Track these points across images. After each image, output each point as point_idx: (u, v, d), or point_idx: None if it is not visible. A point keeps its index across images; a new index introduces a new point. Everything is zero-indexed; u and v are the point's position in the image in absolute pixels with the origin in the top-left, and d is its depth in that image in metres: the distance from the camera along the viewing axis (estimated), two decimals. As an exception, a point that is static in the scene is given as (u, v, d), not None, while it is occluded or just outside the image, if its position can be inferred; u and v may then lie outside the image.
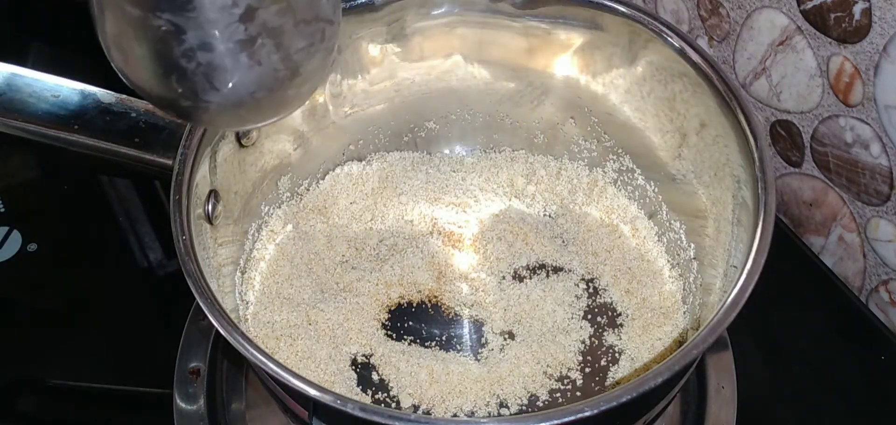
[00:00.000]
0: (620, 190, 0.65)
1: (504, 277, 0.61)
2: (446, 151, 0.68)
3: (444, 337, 0.58)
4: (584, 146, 0.65)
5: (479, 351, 0.57)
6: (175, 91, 0.41)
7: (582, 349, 0.57)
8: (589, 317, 0.58)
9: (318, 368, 0.54)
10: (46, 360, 0.64)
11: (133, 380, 0.62)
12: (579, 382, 0.55)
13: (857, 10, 0.57)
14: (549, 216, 0.65)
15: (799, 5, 0.62)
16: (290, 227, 0.62)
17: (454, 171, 0.67)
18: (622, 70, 0.60)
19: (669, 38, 0.55)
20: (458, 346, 0.57)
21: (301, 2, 0.41)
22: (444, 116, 0.67)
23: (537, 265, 0.62)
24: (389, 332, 0.58)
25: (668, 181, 0.61)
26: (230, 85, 0.41)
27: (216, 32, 0.39)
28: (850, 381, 0.62)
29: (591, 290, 0.60)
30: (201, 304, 0.43)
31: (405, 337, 0.58)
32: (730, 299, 0.44)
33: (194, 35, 0.39)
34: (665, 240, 0.62)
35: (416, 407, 0.53)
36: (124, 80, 0.42)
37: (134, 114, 0.54)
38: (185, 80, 0.40)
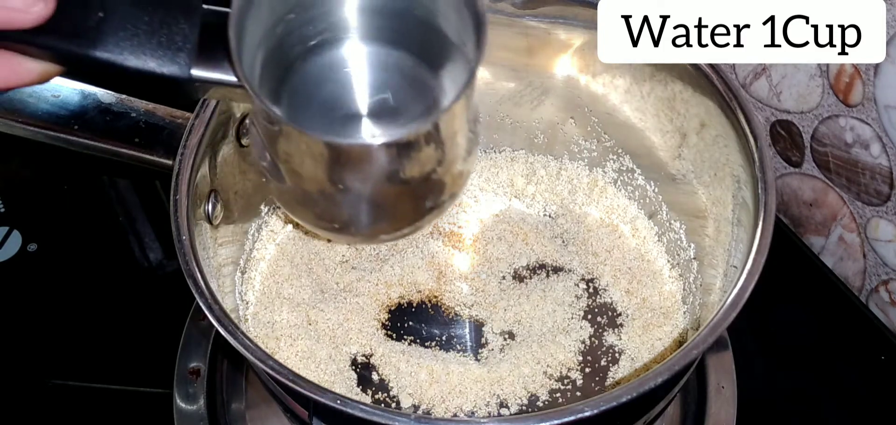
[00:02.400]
0: (620, 190, 0.65)
1: (504, 277, 0.61)
2: (446, 151, 0.68)
3: (444, 337, 0.58)
4: (584, 146, 0.65)
5: (479, 351, 0.57)
6: (327, 222, 0.45)
7: (582, 349, 0.57)
8: (589, 317, 0.58)
9: (318, 368, 0.54)
10: (46, 360, 0.64)
11: (133, 380, 0.62)
12: (579, 382, 0.55)
13: (857, 10, 0.57)
14: (549, 216, 0.65)
15: (799, 5, 0.62)
16: (290, 227, 0.62)
17: (454, 171, 0.67)
18: (622, 70, 0.60)
19: (669, 38, 0.55)
20: (458, 346, 0.57)
21: (453, 153, 0.43)
22: (444, 116, 0.67)
23: (537, 265, 0.62)
24: (389, 332, 0.58)
25: (668, 181, 0.61)
26: (380, 223, 0.45)
27: (376, 195, 0.42)
28: (850, 381, 0.62)
29: (591, 290, 0.60)
30: (201, 304, 0.43)
31: (405, 337, 0.58)
32: (730, 299, 0.44)
33: (353, 196, 0.42)
34: (665, 240, 0.62)
35: (416, 407, 0.53)
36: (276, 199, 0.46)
37: (134, 114, 0.54)
38: (342, 220, 0.44)
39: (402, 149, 0.40)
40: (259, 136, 0.43)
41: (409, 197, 0.43)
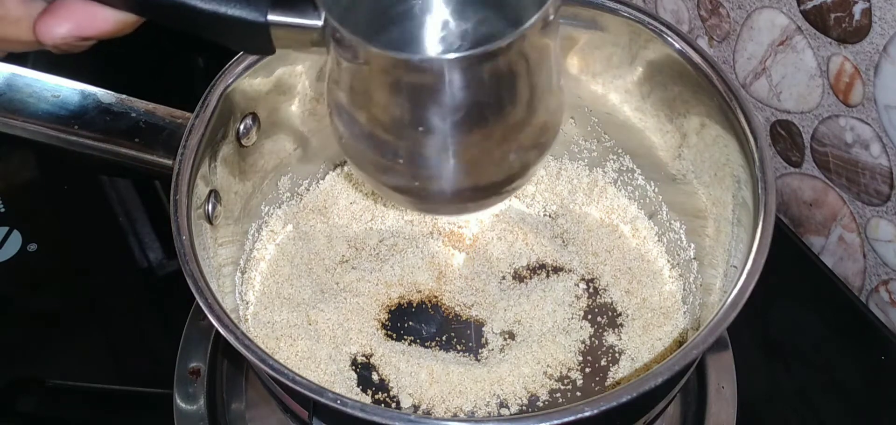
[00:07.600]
0: (620, 190, 0.65)
1: (504, 277, 0.61)
2: (446, 151, 0.68)
3: (444, 338, 0.58)
4: (584, 146, 0.65)
5: (479, 351, 0.57)
6: (409, 180, 0.43)
7: (582, 349, 0.57)
8: (589, 317, 0.58)
9: (318, 368, 0.54)
10: (46, 360, 0.64)
11: (133, 380, 0.62)
12: (579, 382, 0.55)
13: (857, 10, 0.57)
14: (549, 216, 0.65)
15: (799, 5, 0.62)
16: (290, 227, 0.62)
17: (454, 171, 0.67)
18: (622, 70, 0.60)
19: (669, 39, 0.55)
20: (458, 346, 0.57)
21: (534, 91, 0.41)
22: (444, 116, 0.67)
23: (537, 265, 0.62)
24: (389, 332, 0.58)
25: (668, 181, 0.61)
26: (463, 179, 0.43)
27: (455, 135, 0.40)
28: (850, 381, 0.62)
29: (591, 290, 0.60)
30: (201, 304, 0.43)
31: (405, 337, 0.58)
32: (730, 299, 0.44)
33: (432, 138, 0.40)
34: (665, 240, 0.61)
35: (416, 407, 0.53)
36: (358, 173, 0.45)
37: (134, 114, 0.54)
38: (423, 176, 0.43)
39: (479, 68, 0.38)
40: (334, 85, 0.41)
41: (489, 146, 0.41)
